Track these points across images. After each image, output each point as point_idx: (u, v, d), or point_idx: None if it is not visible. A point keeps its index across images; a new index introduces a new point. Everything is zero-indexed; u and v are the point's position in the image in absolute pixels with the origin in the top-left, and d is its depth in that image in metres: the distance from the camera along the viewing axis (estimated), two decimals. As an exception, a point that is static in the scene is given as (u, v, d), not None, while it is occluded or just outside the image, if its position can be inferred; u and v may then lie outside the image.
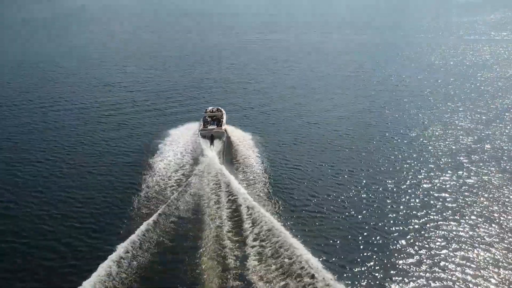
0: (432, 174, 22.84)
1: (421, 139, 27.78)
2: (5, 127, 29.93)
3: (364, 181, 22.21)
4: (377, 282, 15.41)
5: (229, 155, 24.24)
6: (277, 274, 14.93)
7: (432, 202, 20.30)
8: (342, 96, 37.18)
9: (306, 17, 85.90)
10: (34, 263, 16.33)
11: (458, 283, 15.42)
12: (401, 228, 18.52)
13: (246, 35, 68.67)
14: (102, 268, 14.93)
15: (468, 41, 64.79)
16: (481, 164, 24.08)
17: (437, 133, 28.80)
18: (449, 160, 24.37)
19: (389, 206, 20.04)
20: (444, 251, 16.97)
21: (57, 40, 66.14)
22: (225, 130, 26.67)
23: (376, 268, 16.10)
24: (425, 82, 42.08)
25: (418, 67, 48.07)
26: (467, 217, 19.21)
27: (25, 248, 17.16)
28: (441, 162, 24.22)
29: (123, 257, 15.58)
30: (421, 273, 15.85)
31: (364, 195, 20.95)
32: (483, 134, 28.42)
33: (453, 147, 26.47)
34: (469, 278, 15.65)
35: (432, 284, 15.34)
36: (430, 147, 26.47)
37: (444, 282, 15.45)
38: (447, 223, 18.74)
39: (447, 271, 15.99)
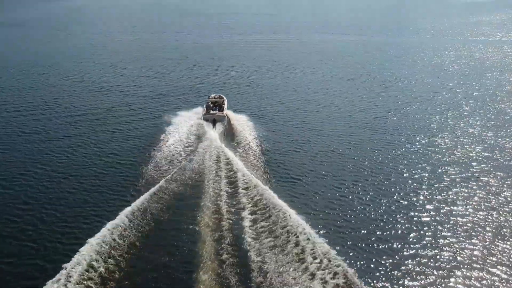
0: (442, 179, 23.10)
1: (428, 144, 27.64)
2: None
3: (359, 164, 25.51)
4: (365, 248, 18.06)
5: (229, 135, 27.66)
6: (266, 230, 18.14)
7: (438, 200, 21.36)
8: (339, 87, 40.48)
9: (306, 18, 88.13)
10: (53, 219, 19.79)
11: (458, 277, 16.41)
12: (388, 199, 21.76)
13: (247, 36, 70.40)
14: (109, 226, 17.87)
15: (473, 42, 65.19)
16: (492, 170, 24.07)
17: (445, 138, 28.46)
18: (458, 167, 24.46)
19: (382, 179, 23.29)
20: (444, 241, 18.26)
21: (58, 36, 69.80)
22: (226, 115, 30.12)
23: (364, 235, 19.08)
24: (431, 85, 41.94)
25: (423, 70, 48.42)
26: (470, 209, 20.51)
27: (37, 207, 20.57)
28: (450, 169, 24.23)
29: (129, 217, 18.50)
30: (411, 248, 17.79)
31: (354, 170, 24.24)
32: (493, 141, 28.00)
33: (460, 153, 26.15)
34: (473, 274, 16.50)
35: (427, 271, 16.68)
36: (437, 153, 26.31)
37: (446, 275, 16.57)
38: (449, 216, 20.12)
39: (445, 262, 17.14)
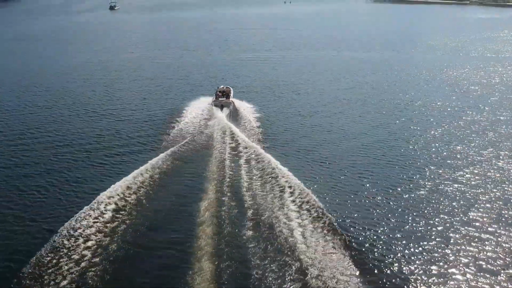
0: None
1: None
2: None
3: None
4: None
5: (234, 117, 34.97)
6: (259, 177, 25.19)
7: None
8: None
9: (314, 33, 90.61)
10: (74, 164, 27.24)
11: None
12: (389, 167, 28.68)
13: (253, 52, 69.07)
14: (124, 180, 23.69)
15: (486, 59, 64.93)
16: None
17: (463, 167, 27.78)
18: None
19: (377, 150, 30.26)
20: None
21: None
22: (232, 102, 37.75)
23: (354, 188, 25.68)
24: (446, 105, 41.02)
25: (437, 88, 47.70)
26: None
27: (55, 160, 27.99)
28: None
29: (144, 174, 24.60)
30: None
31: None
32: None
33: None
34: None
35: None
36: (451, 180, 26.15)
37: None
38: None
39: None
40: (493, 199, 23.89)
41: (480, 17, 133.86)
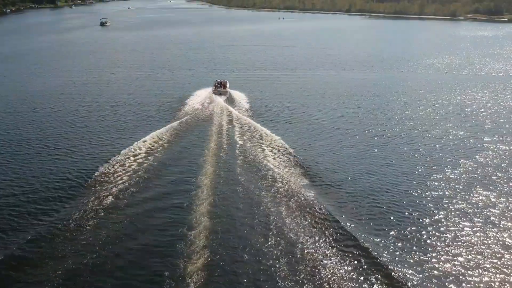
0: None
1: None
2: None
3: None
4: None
5: (230, 101, 47.51)
6: (247, 139, 36.66)
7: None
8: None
9: (308, 52, 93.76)
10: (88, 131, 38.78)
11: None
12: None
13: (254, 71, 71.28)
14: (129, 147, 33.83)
15: (485, 78, 65.52)
16: None
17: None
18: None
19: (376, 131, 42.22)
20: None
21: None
22: (228, 91, 50.17)
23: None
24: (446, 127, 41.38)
25: (437, 109, 47.74)
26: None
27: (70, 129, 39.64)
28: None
29: (151, 140, 35.12)
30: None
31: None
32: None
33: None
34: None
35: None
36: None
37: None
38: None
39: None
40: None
41: (476, 34, 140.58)
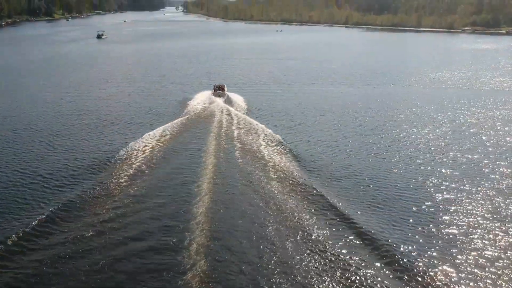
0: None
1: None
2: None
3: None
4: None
5: (228, 102, 52.63)
6: (244, 133, 41.56)
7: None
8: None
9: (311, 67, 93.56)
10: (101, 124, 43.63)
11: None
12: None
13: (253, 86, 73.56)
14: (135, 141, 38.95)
15: (486, 93, 64.65)
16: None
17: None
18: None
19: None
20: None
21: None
22: (227, 94, 55.53)
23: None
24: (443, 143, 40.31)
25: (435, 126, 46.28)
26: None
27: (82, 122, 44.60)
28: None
29: (155, 135, 40.10)
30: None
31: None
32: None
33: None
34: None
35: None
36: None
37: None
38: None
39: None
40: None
41: (476, 47, 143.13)
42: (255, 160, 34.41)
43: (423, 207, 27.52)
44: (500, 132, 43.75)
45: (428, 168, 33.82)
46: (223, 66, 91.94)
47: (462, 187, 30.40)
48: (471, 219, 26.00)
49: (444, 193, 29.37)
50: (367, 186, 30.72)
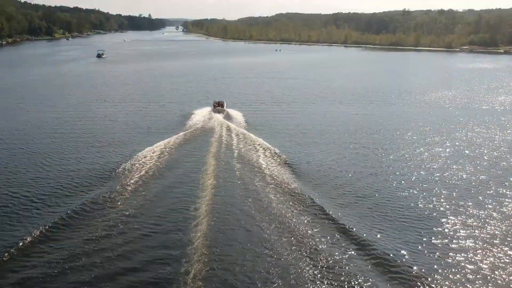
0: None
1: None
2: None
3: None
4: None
5: (228, 118, 54.01)
6: (243, 146, 42.78)
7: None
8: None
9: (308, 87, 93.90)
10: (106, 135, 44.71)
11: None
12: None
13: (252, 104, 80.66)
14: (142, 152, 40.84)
15: (491, 112, 64.57)
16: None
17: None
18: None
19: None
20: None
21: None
22: (226, 109, 56.82)
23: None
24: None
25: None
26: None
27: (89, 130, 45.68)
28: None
29: (157, 147, 41.72)
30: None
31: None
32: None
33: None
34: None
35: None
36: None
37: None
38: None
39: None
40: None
41: (475, 66, 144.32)
42: (253, 171, 35.78)
43: (422, 223, 28.13)
44: (501, 151, 44.08)
45: (426, 185, 34.51)
46: (223, 84, 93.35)
47: (459, 202, 31.11)
48: (466, 233, 26.81)
49: (443, 210, 29.97)
50: (362, 197, 31.93)
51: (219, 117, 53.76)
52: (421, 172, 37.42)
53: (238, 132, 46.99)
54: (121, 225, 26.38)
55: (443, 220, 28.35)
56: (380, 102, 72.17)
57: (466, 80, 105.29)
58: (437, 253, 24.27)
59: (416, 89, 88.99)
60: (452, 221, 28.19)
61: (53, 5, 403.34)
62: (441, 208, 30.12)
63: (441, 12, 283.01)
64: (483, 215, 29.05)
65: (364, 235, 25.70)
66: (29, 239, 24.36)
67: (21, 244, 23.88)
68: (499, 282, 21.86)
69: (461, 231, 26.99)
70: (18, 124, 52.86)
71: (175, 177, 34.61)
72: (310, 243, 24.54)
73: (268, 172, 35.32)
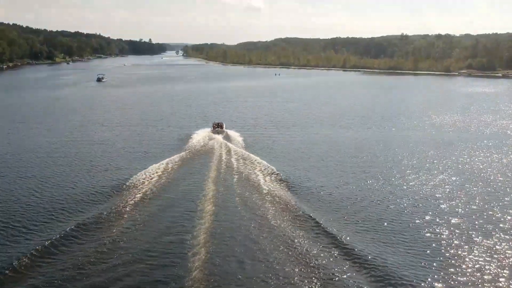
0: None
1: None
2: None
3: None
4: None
5: (227, 138, 55.45)
6: (242, 164, 43.79)
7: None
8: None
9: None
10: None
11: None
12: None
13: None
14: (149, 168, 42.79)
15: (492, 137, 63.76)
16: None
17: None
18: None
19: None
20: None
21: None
22: (225, 131, 57.98)
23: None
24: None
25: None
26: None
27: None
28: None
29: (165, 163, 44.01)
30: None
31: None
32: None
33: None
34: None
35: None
36: None
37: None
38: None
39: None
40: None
41: (474, 90, 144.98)
42: (252, 188, 37.55)
43: (425, 245, 28.80)
44: (502, 175, 44.51)
45: (424, 207, 35.24)
46: (222, 108, 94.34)
47: (462, 226, 31.65)
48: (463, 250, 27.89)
49: (439, 231, 30.80)
50: (365, 219, 32.66)
51: (218, 137, 55.32)
52: (420, 195, 38.03)
53: (237, 152, 48.52)
54: (117, 248, 26.91)
55: (443, 242, 29.02)
56: (379, 126, 72.55)
57: (465, 104, 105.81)
58: (441, 275, 24.96)
59: (415, 113, 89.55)
60: (454, 247, 28.48)
61: (54, 29, 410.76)
62: (440, 230, 30.87)
63: (438, 36, 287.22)
64: (481, 236, 29.88)
65: (369, 257, 26.36)
66: (22, 261, 25.13)
67: (14, 265, 24.71)
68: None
69: (459, 249, 27.92)
70: (14, 148, 53.06)
71: (175, 195, 36.18)
72: (316, 272, 24.62)
73: (266, 191, 36.86)
